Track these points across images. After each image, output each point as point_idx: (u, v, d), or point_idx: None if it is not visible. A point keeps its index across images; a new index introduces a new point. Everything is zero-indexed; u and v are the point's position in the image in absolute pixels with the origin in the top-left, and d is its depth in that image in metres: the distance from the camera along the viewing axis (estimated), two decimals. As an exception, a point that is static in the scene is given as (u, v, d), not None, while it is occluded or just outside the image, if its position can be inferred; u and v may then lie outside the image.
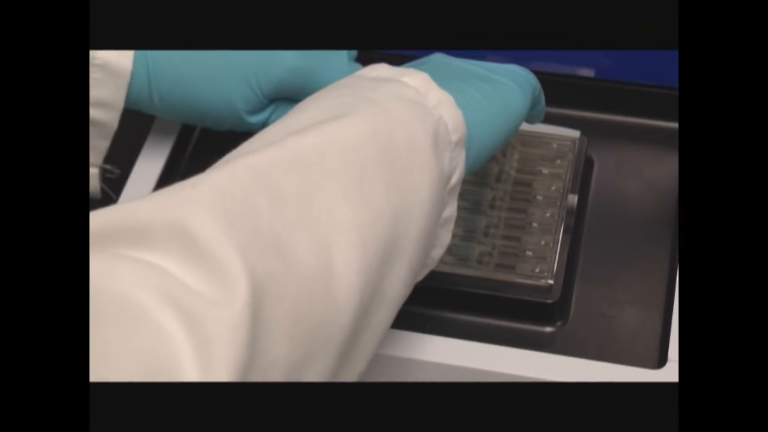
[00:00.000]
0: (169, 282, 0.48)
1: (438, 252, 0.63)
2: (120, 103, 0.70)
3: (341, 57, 0.71)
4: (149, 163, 0.77)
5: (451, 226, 0.63)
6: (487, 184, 0.76)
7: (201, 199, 0.50)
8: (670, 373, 0.66)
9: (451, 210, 0.62)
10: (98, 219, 0.49)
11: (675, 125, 0.79)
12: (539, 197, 0.75)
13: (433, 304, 0.71)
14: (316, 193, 0.54)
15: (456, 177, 0.61)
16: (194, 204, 0.50)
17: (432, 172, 0.59)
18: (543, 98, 0.70)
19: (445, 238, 0.63)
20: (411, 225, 0.57)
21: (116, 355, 0.46)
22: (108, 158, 0.73)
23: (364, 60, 0.72)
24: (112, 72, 0.68)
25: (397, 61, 0.65)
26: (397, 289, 0.57)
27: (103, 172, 0.73)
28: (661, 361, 0.68)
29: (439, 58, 0.68)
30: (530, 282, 0.71)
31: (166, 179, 0.77)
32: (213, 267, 0.49)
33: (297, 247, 0.52)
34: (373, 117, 0.58)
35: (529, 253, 0.73)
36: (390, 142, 0.57)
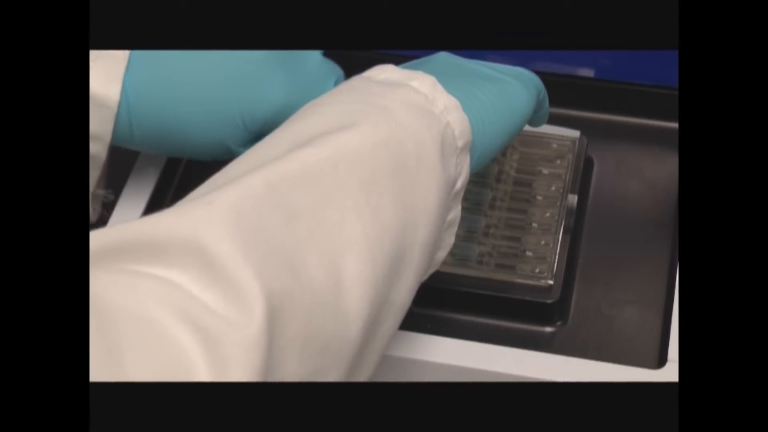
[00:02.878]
0: (187, 300, 0.48)
1: (442, 254, 0.63)
2: (108, 134, 0.68)
3: (327, 90, 0.70)
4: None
5: (454, 229, 0.63)
6: (487, 184, 0.76)
7: (217, 217, 0.50)
8: (670, 373, 0.66)
9: (455, 213, 0.62)
10: (115, 234, 0.49)
11: (675, 125, 0.79)
12: (539, 197, 0.75)
13: (433, 304, 0.71)
14: (327, 207, 0.54)
15: (461, 182, 0.61)
16: (211, 222, 0.50)
17: (439, 180, 0.59)
18: (547, 102, 0.70)
19: (449, 240, 0.63)
20: (418, 234, 0.57)
21: (134, 372, 0.46)
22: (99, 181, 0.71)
23: (365, 60, 0.71)
24: (98, 103, 0.67)
25: (397, 61, 0.65)
26: (404, 297, 0.57)
27: (100, 198, 0.73)
28: (661, 361, 0.68)
29: (444, 57, 0.67)
30: (530, 282, 0.71)
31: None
32: (230, 287, 0.49)
33: (308, 264, 0.52)
34: (383, 126, 0.58)
35: (529, 253, 0.73)
36: (399, 151, 0.57)
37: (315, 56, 0.70)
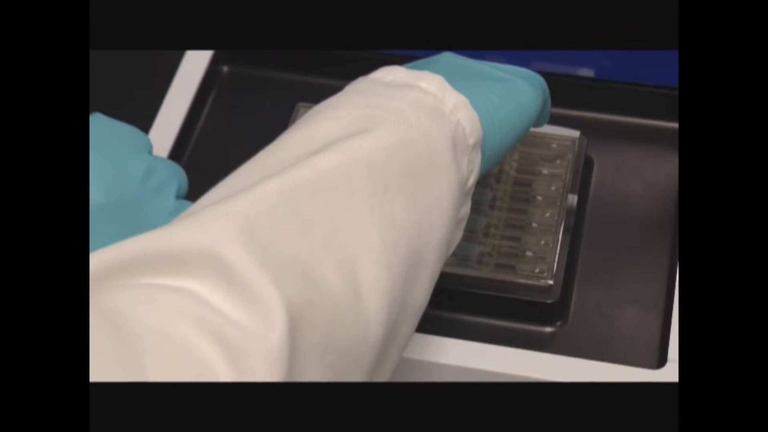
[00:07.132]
0: (208, 312, 0.48)
1: (451, 249, 0.62)
2: None
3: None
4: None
5: (464, 224, 0.63)
6: (487, 184, 0.75)
7: (234, 227, 0.50)
8: (670, 373, 0.66)
9: (465, 209, 0.62)
10: (132, 247, 0.49)
11: (675, 125, 0.79)
12: (539, 197, 0.75)
13: (432, 304, 0.70)
14: (342, 214, 0.54)
15: (472, 179, 0.61)
16: (228, 233, 0.50)
17: (451, 180, 0.59)
18: (549, 102, 0.70)
19: (459, 235, 0.63)
20: (433, 235, 0.57)
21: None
22: None
23: (365, 60, 0.71)
24: None
25: (397, 61, 0.65)
26: (421, 299, 0.58)
27: None
28: (661, 361, 0.68)
29: (449, 57, 0.67)
30: (530, 282, 0.71)
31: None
32: (251, 298, 0.49)
33: (326, 272, 0.52)
34: (395, 130, 0.57)
35: (529, 253, 0.73)
36: (412, 154, 0.57)
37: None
